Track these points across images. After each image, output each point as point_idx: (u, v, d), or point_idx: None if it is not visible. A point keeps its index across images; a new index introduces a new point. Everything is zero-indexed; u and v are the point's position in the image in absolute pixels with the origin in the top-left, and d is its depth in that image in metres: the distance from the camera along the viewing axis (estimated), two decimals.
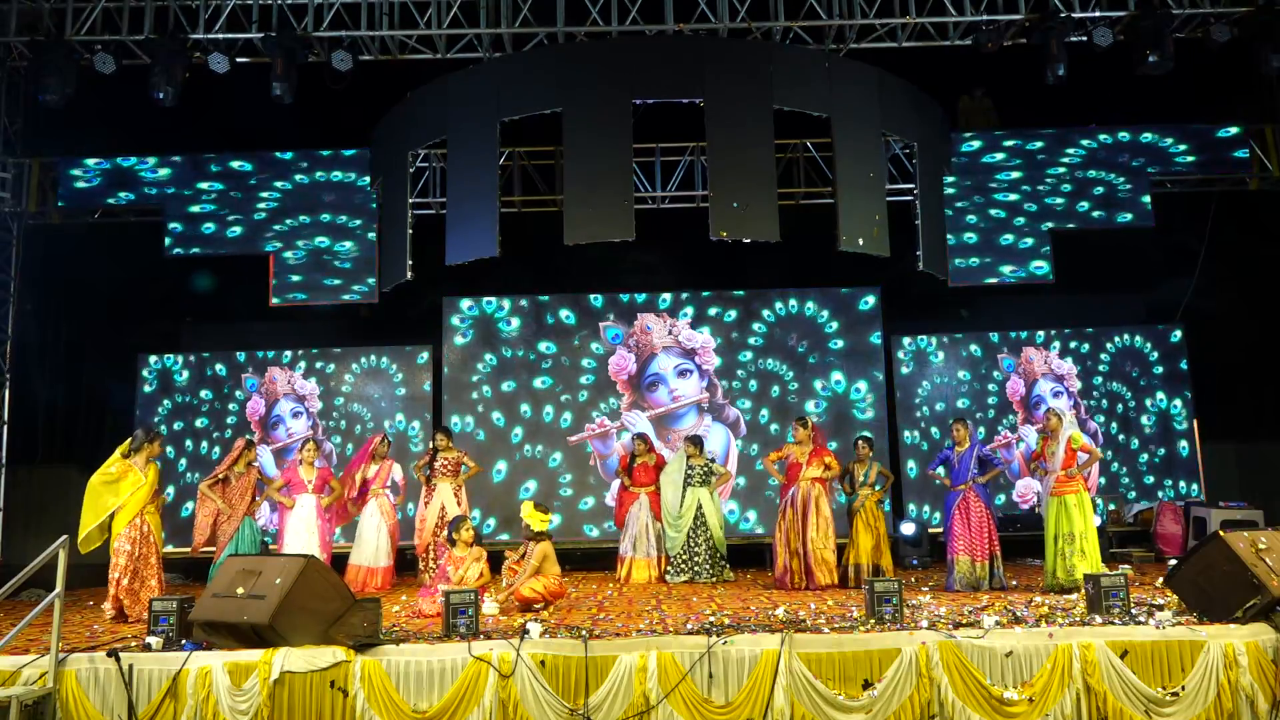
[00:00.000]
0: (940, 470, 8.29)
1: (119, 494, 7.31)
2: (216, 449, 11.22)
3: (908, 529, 10.29)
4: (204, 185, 10.94)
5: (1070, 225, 11.02)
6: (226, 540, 8.00)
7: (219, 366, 11.57)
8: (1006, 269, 11.02)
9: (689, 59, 8.64)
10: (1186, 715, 5.44)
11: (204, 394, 11.50)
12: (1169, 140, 11.06)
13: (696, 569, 9.08)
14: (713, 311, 11.63)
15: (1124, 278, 11.64)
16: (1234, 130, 10.99)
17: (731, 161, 8.28)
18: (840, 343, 11.56)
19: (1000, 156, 11.12)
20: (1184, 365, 11.59)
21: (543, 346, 11.55)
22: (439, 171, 11.04)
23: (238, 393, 11.51)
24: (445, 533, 7.74)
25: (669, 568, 9.18)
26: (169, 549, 7.80)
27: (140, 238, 10.93)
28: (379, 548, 8.98)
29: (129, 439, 7.55)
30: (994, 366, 11.68)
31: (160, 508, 7.58)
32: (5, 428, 10.64)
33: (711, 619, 6.29)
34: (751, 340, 11.59)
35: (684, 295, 11.65)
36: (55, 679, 5.38)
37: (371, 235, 10.79)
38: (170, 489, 10.86)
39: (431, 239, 9.34)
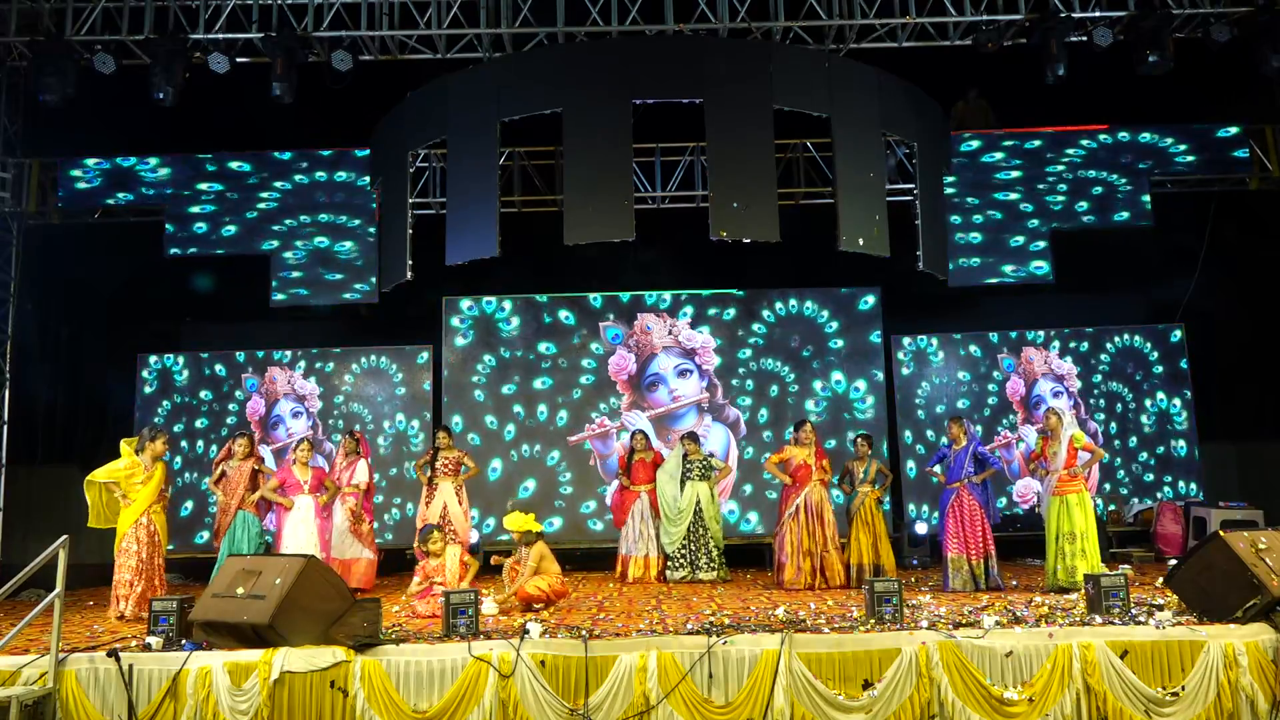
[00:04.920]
0: (938, 468, 8.32)
1: (127, 488, 7.33)
2: (215, 449, 11.21)
3: (921, 528, 10.34)
4: (204, 185, 10.94)
5: (1070, 225, 11.01)
6: (221, 535, 8.04)
7: (219, 366, 11.57)
8: (1006, 269, 11.02)
9: (689, 59, 8.63)
10: (1186, 715, 5.44)
11: (204, 394, 11.50)
12: (1169, 140, 11.05)
13: (697, 565, 9.09)
14: (713, 311, 11.63)
15: (1124, 278, 11.64)
16: (1234, 130, 10.98)
17: (731, 161, 8.27)
18: (840, 343, 11.56)
19: (1000, 156, 11.12)
20: (1184, 365, 11.59)
21: (543, 346, 11.56)
22: (439, 171, 11.03)
23: (238, 393, 11.51)
24: (416, 542, 7.74)
25: (669, 565, 9.19)
26: (170, 548, 7.77)
27: (140, 238, 10.93)
28: (342, 544, 8.94)
29: (136, 437, 7.59)
30: (994, 366, 11.68)
31: (165, 508, 7.58)
32: (5, 428, 10.64)
33: (711, 619, 6.29)
34: (751, 340, 11.59)
35: (684, 295, 11.65)
36: (55, 679, 5.38)
37: (371, 235, 10.78)
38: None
39: (431, 239, 9.33)
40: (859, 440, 8.98)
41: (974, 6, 9.91)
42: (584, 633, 5.75)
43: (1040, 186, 11.03)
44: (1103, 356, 11.70)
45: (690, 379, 11.52)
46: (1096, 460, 8.14)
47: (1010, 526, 10.44)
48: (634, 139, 8.39)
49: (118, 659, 5.40)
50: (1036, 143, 11.11)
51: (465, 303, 11.61)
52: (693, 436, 9.53)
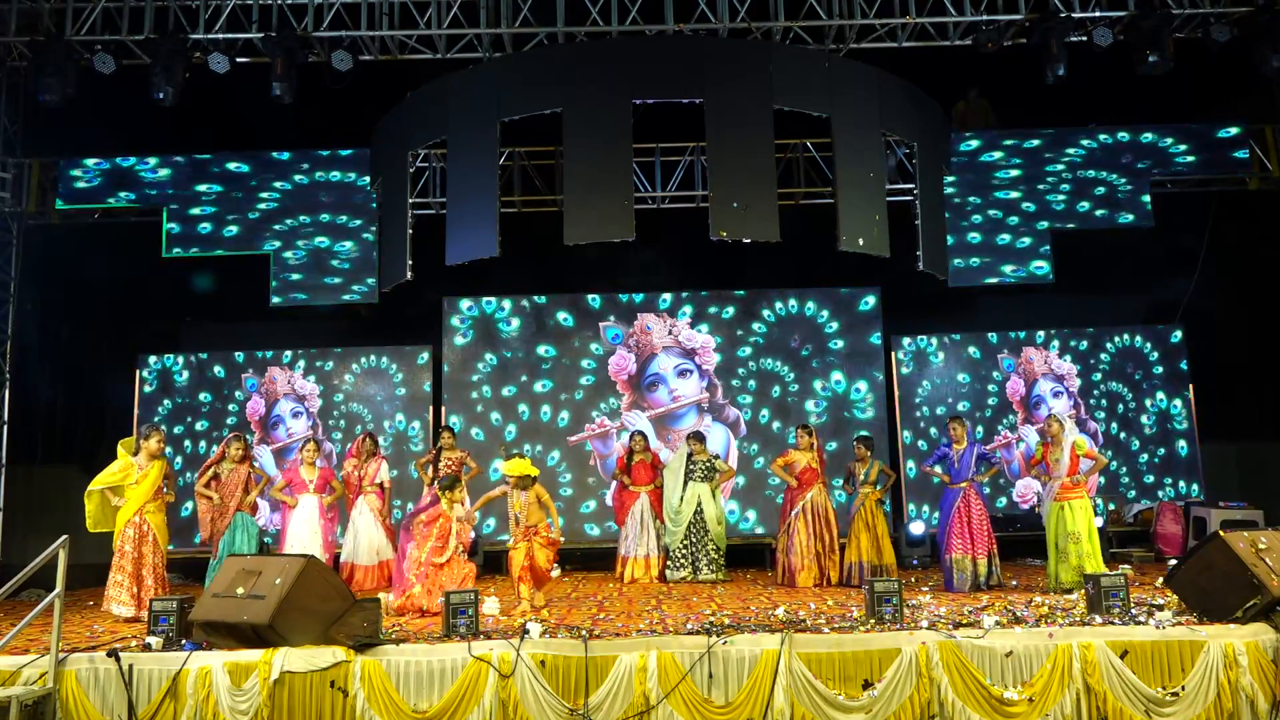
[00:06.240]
0: (938, 467, 8.32)
1: (122, 493, 7.32)
2: (216, 449, 11.21)
3: (916, 528, 10.33)
4: (204, 185, 10.93)
5: (1070, 225, 11.01)
6: (219, 538, 8.03)
7: (219, 366, 11.57)
8: (1006, 269, 11.02)
9: (689, 59, 8.63)
10: (1186, 715, 5.44)
11: (204, 394, 11.50)
12: (1169, 140, 11.05)
13: (697, 566, 9.11)
14: (713, 311, 11.63)
15: (1124, 278, 11.63)
16: (1234, 130, 10.97)
17: (731, 161, 8.27)
18: (840, 343, 11.56)
19: (1000, 156, 11.12)
20: (1184, 365, 11.58)
21: (543, 347, 11.56)
22: (439, 171, 11.03)
23: (238, 393, 11.51)
24: (436, 485, 7.71)
25: (668, 564, 9.21)
26: (170, 548, 7.75)
27: (140, 238, 10.92)
28: (371, 545, 8.96)
29: (132, 438, 7.57)
30: (994, 367, 11.68)
31: (163, 507, 7.54)
32: (5, 428, 10.64)
33: (711, 619, 6.29)
34: (751, 340, 11.59)
35: (684, 295, 11.65)
36: (55, 679, 5.38)
37: (371, 235, 10.78)
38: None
39: (431, 239, 9.34)
40: (858, 443, 9.07)
41: (974, 6, 9.91)
42: (584, 633, 5.75)
43: (1040, 186, 11.03)
44: (1103, 356, 11.69)
45: (690, 379, 11.52)
46: (1099, 468, 8.11)
47: (1010, 526, 10.43)
48: (634, 139, 8.40)
49: (118, 659, 5.40)
50: (1036, 142, 11.11)
51: (465, 303, 11.61)
52: (699, 436, 9.54)
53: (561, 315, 11.62)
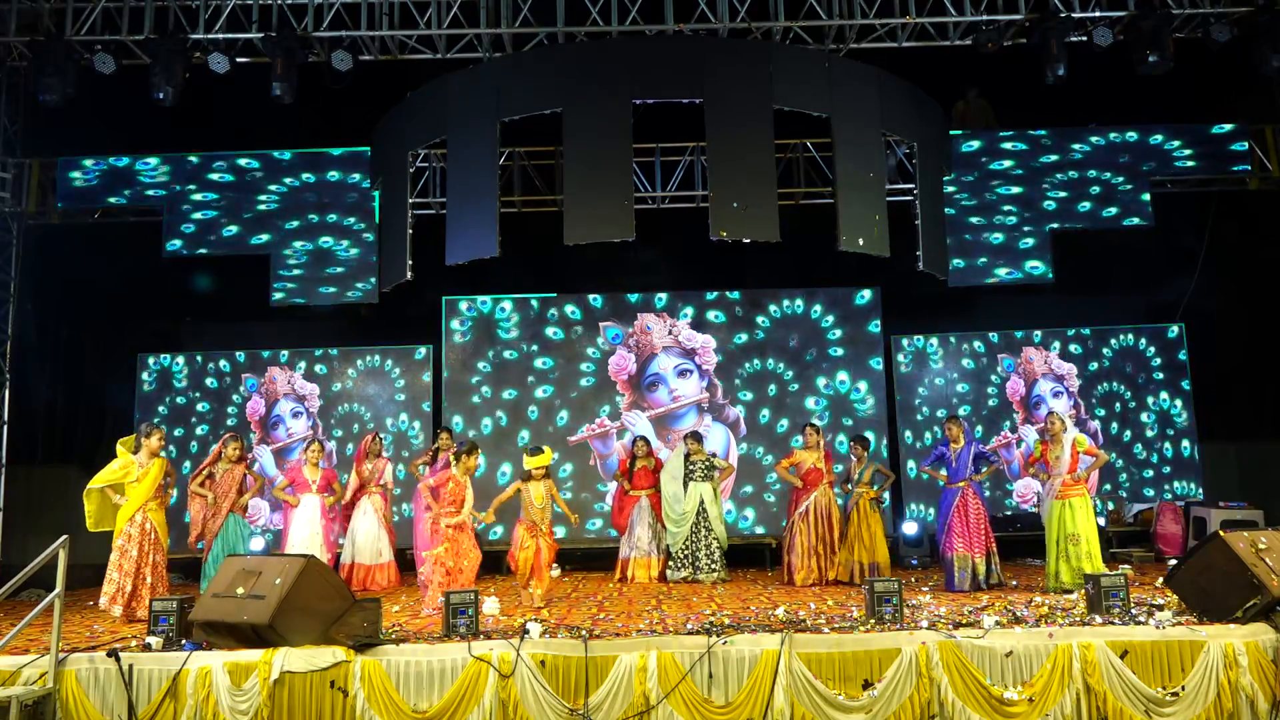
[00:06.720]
0: (930, 466, 8.35)
1: (123, 491, 7.32)
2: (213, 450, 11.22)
3: (910, 529, 10.33)
4: (204, 185, 10.91)
5: (1070, 225, 11.01)
6: (212, 537, 8.03)
7: (218, 366, 11.57)
8: (1006, 269, 11.01)
9: (689, 59, 8.64)
10: (1186, 715, 5.44)
11: (203, 394, 11.50)
12: (1169, 140, 11.04)
13: (698, 565, 9.11)
14: (713, 311, 11.63)
15: (1124, 278, 11.64)
16: (1234, 131, 10.97)
17: (731, 161, 8.28)
18: (840, 343, 11.56)
19: (1000, 157, 11.11)
20: (1184, 365, 11.59)
21: (542, 346, 11.55)
22: (439, 171, 11.03)
23: (235, 395, 11.51)
24: (452, 451, 7.79)
25: (669, 564, 9.21)
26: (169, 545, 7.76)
27: (140, 238, 10.92)
28: (373, 545, 8.97)
29: (131, 436, 7.58)
30: (994, 366, 11.68)
31: (164, 505, 7.54)
32: (5, 428, 10.64)
33: (711, 619, 6.29)
34: (751, 340, 11.59)
35: (684, 295, 11.65)
36: (55, 679, 5.38)
37: (371, 235, 10.78)
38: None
39: (431, 239, 9.34)
40: (853, 444, 9.13)
41: (974, 6, 9.90)
42: (584, 633, 5.75)
43: (1040, 186, 11.02)
44: (1104, 354, 11.70)
45: (690, 379, 11.52)
46: (1099, 464, 8.11)
47: (1010, 526, 10.44)
48: (634, 139, 8.41)
49: (118, 659, 5.41)
50: (1036, 142, 11.10)
51: (465, 303, 11.61)
52: (696, 436, 9.54)
53: (561, 315, 11.61)
